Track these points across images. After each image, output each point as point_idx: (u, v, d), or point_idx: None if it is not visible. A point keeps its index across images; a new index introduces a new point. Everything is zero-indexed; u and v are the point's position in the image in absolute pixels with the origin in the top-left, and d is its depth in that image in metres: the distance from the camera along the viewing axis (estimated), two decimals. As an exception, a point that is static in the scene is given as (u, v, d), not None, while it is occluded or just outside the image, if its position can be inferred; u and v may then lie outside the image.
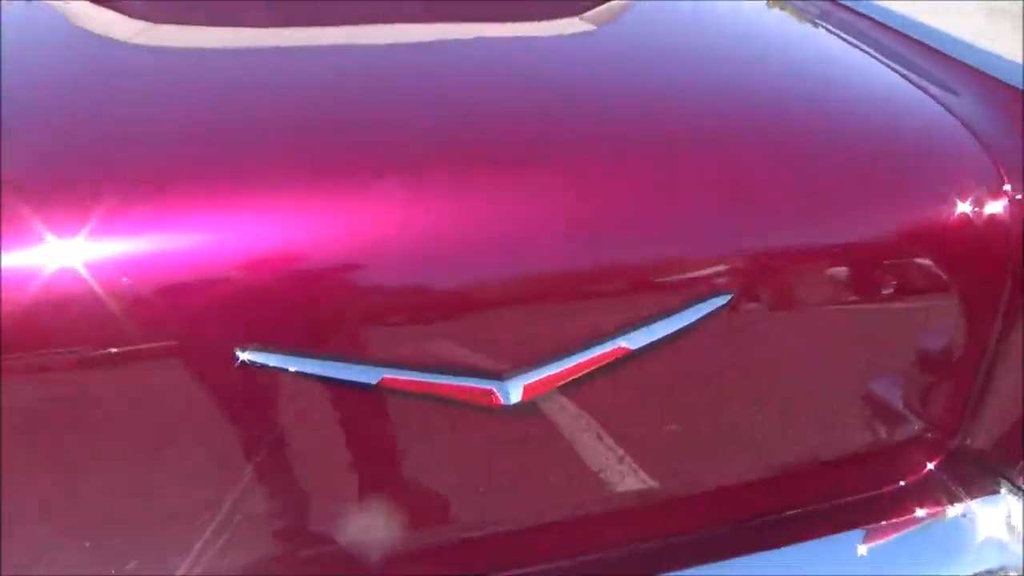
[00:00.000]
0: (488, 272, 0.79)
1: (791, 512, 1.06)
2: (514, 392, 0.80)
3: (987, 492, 1.10)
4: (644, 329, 0.84)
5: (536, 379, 0.81)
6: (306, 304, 0.73)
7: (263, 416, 0.77)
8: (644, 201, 0.86)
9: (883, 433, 1.09)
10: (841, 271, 0.92)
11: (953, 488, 1.09)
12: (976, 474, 1.12)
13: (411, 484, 0.85)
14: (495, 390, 0.80)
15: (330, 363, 0.74)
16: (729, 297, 0.86)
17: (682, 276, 0.87)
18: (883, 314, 0.98)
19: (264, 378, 0.73)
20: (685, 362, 0.90)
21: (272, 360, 0.72)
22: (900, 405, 1.06)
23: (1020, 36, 4.32)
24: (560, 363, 0.82)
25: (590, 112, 0.93)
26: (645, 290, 0.86)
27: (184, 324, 0.71)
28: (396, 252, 0.76)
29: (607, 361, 0.83)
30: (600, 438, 0.89)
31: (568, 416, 0.86)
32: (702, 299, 0.86)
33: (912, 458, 1.10)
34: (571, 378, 0.82)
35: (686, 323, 0.85)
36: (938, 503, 1.09)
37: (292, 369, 0.73)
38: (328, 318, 0.75)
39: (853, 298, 0.95)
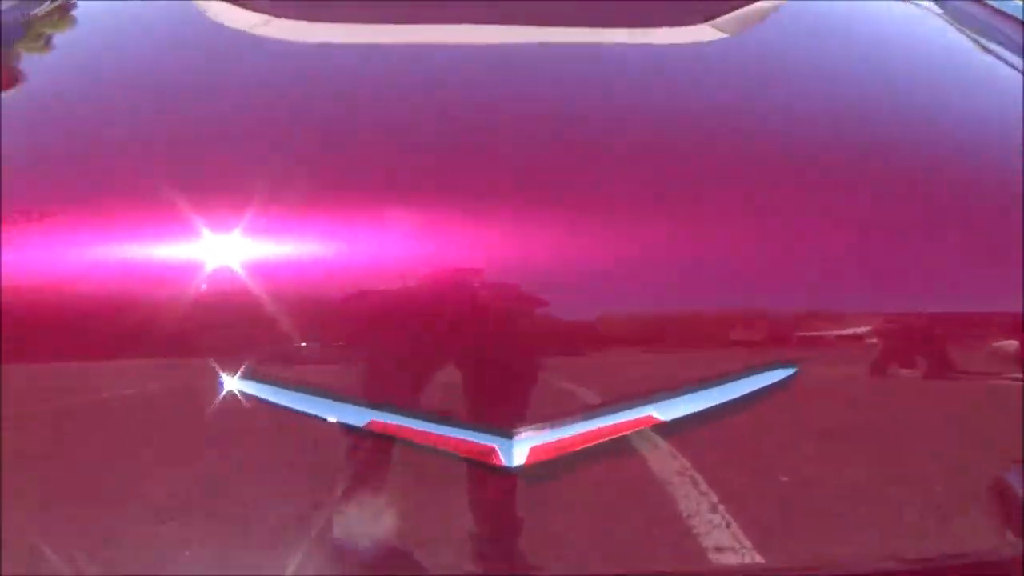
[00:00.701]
0: (510, 313, 0.72)
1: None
2: (519, 453, 0.72)
3: None
4: (682, 398, 0.72)
5: (547, 441, 0.72)
6: (297, 332, 0.70)
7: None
8: (710, 245, 0.75)
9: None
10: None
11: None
12: None
13: (396, 536, 0.79)
14: (497, 449, 0.71)
15: (318, 400, 0.70)
16: (794, 370, 0.72)
17: (742, 337, 0.74)
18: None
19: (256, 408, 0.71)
20: (728, 444, 0.76)
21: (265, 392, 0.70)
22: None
23: None
24: (577, 426, 0.72)
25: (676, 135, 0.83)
26: (692, 350, 0.75)
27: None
28: (401, 280, 0.71)
29: (632, 431, 0.72)
30: (615, 517, 0.77)
31: (581, 488, 0.75)
32: (760, 369, 0.72)
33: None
34: (587, 445, 0.72)
35: (734, 396, 0.72)
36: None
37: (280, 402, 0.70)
38: (320, 350, 0.72)
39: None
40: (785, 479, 0.79)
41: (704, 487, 0.76)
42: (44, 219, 0.73)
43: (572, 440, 0.72)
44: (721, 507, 0.77)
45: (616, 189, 0.77)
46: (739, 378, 0.72)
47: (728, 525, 0.78)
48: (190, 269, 0.68)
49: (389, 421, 0.70)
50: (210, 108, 0.87)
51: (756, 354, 0.73)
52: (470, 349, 0.72)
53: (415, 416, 0.70)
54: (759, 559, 0.78)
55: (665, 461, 0.75)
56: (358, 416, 0.70)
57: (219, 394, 0.69)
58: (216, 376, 0.69)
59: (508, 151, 0.80)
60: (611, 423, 0.72)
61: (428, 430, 0.70)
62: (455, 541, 0.76)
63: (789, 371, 0.72)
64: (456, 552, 0.77)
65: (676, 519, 0.77)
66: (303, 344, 0.71)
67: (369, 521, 0.75)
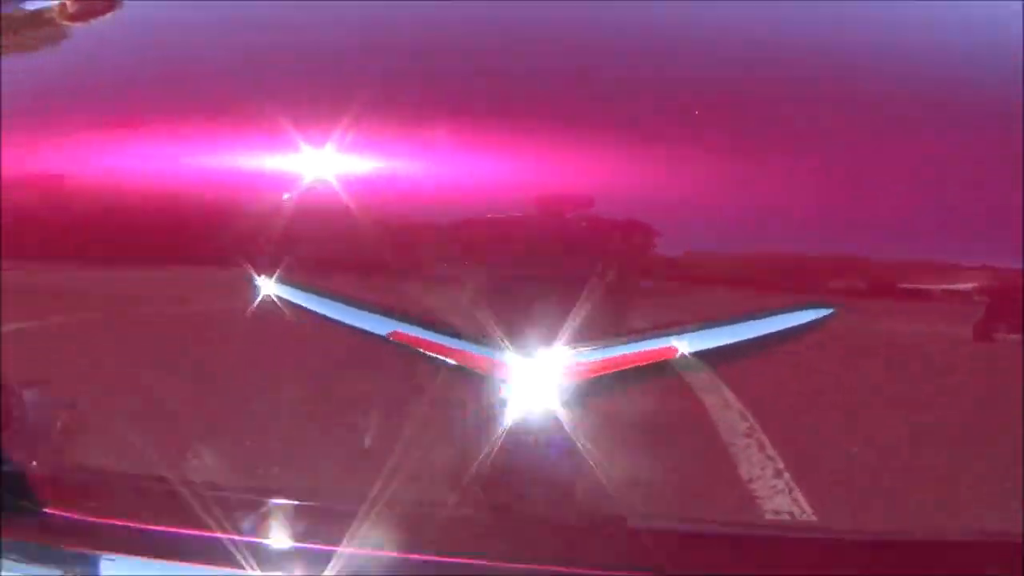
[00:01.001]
0: (540, 235, 0.72)
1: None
2: (540, 374, 0.72)
3: None
4: (709, 332, 0.70)
5: (567, 366, 0.72)
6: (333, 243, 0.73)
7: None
8: (754, 180, 0.71)
9: None
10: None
11: None
12: None
13: (406, 449, 0.80)
14: (508, 365, 0.72)
15: (348, 308, 0.73)
16: (831, 311, 0.68)
17: (776, 274, 0.71)
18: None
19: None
20: (751, 383, 0.73)
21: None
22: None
23: None
24: (594, 352, 0.71)
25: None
26: (725, 285, 0.72)
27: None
28: (437, 198, 0.72)
29: (649, 361, 0.70)
30: (623, 448, 0.76)
31: (593, 416, 0.74)
32: (793, 308, 0.69)
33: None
34: (603, 372, 0.71)
35: (762, 333, 0.68)
36: None
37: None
38: (353, 261, 0.74)
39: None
40: (811, 428, 0.75)
41: (726, 429, 0.73)
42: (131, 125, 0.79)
43: (590, 365, 0.71)
44: (742, 451, 0.74)
45: (660, 115, 0.74)
46: (770, 315, 0.69)
47: (744, 468, 0.75)
48: (234, 177, 0.73)
49: (411, 332, 0.72)
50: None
51: (791, 293, 0.69)
52: (497, 267, 0.73)
53: (436, 330, 0.72)
54: (770, 509, 0.75)
55: (687, 398, 0.73)
56: (382, 325, 0.72)
57: (256, 299, 0.73)
58: (254, 282, 0.73)
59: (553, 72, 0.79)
60: (629, 351, 0.70)
61: (448, 344, 0.72)
62: (468, 459, 0.77)
63: (826, 311, 0.68)
64: (468, 472, 0.78)
65: (691, 458, 0.76)
66: (339, 255, 0.74)
67: (385, 432, 0.78)
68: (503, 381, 0.73)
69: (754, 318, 0.69)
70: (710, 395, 0.73)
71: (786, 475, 0.75)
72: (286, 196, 0.71)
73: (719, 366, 0.70)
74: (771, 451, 0.75)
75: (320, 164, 0.71)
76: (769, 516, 0.78)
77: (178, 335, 0.84)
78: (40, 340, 0.88)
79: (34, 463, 1.00)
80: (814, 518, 0.78)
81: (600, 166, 0.71)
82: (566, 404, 0.73)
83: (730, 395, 0.73)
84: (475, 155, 0.72)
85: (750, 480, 0.77)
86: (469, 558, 0.87)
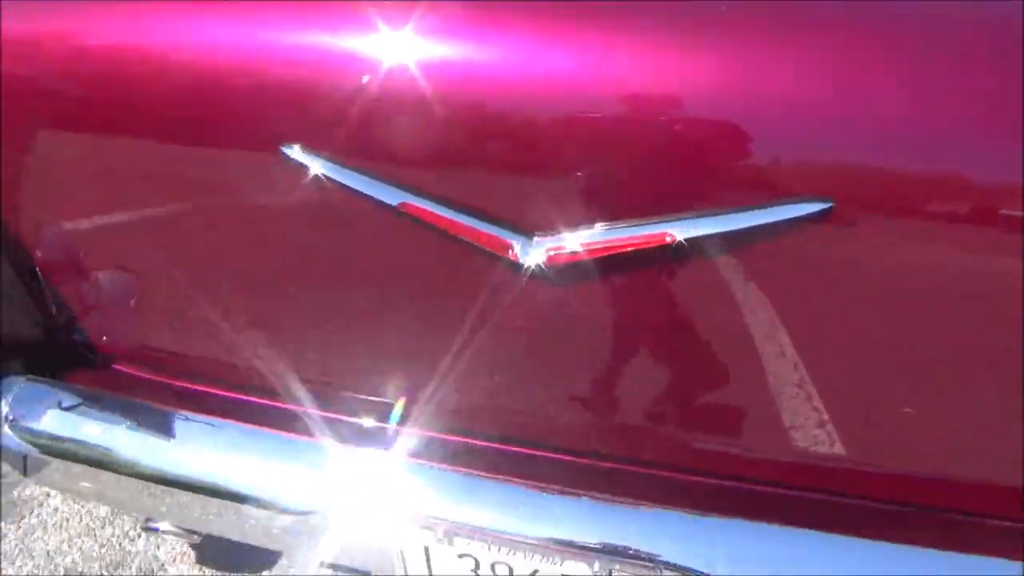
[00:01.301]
0: (547, 121, 0.74)
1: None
2: (535, 253, 0.75)
3: None
4: (701, 220, 0.71)
5: (563, 246, 0.74)
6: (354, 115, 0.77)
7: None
8: (758, 71, 0.70)
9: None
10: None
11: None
12: None
13: (410, 319, 0.85)
14: (515, 245, 0.75)
15: (357, 176, 0.77)
16: (829, 205, 0.68)
17: (777, 166, 0.71)
18: None
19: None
20: (744, 273, 0.73)
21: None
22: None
23: None
24: (595, 235, 0.73)
25: None
26: (721, 174, 0.72)
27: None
28: (448, 85, 0.74)
29: (647, 246, 0.72)
30: (623, 334, 0.78)
31: (590, 296, 0.77)
32: (790, 200, 0.69)
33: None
34: (602, 255, 0.73)
35: (757, 223, 0.69)
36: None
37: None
38: (368, 134, 0.78)
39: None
40: (805, 324, 0.75)
41: (715, 320, 0.75)
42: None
43: (590, 248, 0.73)
44: (727, 340, 0.75)
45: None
46: (767, 206, 0.69)
47: (727, 357, 0.76)
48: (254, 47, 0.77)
49: (420, 204, 0.76)
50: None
51: (789, 185, 0.69)
52: (500, 152, 0.76)
53: (443, 204, 0.76)
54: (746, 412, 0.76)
55: (680, 286, 0.75)
56: (393, 196, 0.76)
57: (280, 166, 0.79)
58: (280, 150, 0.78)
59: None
60: (626, 236, 0.72)
61: (454, 218, 0.76)
62: (466, 332, 0.82)
63: (823, 205, 0.68)
64: (465, 344, 0.83)
65: (680, 348, 0.77)
66: (357, 127, 0.78)
67: (389, 300, 0.83)
68: (512, 260, 0.76)
69: (758, 208, 0.69)
70: (711, 284, 0.74)
71: (775, 367, 0.76)
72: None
73: (719, 255, 0.71)
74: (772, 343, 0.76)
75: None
76: (755, 409, 0.80)
77: (224, 218, 0.91)
78: (116, 230, 0.97)
79: (105, 333, 1.12)
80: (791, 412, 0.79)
81: (606, 62, 0.71)
82: (570, 284, 0.76)
83: (731, 285, 0.74)
84: (493, 43, 0.74)
85: (745, 371, 0.79)
86: (466, 437, 0.93)
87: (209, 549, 1.60)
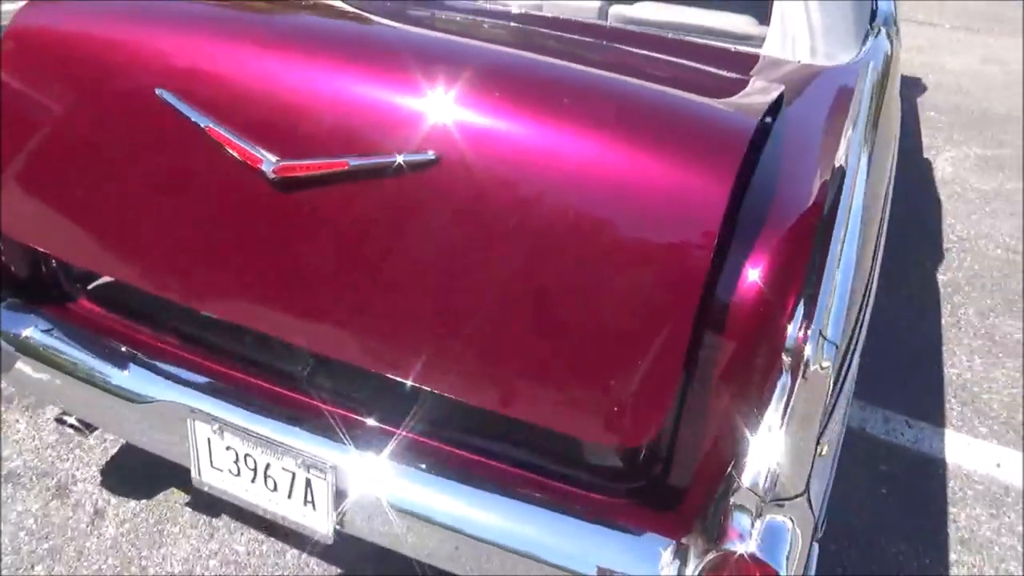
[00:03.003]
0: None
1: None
2: (270, 168, 1.17)
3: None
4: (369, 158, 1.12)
5: (292, 165, 1.16)
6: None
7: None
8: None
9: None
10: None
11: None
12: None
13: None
14: (262, 159, 1.17)
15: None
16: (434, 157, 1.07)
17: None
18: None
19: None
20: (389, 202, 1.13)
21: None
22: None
23: None
24: (305, 161, 1.15)
25: None
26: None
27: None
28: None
29: (332, 169, 1.13)
30: (316, 228, 1.17)
31: (300, 199, 1.18)
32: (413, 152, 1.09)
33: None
34: (310, 173, 1.15)
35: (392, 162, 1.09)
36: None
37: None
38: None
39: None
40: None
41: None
42: None
43: (303, 167, 1.15)
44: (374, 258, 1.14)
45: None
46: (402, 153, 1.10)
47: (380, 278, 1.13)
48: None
49: (210, 126, 1.20)
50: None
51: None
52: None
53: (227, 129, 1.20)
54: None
55: (350, 199, 1.15)
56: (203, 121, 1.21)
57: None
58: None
59: None
60: (324, 161, 1.14)
61: (231, 139, 1.19)
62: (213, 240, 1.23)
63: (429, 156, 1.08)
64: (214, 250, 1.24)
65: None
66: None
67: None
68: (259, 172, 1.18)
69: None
70: (371, 200, 1.14)
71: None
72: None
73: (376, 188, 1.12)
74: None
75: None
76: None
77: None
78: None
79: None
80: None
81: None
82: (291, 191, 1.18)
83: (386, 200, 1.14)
84: None
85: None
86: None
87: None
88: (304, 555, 1.81)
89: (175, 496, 1.93)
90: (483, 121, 1.10)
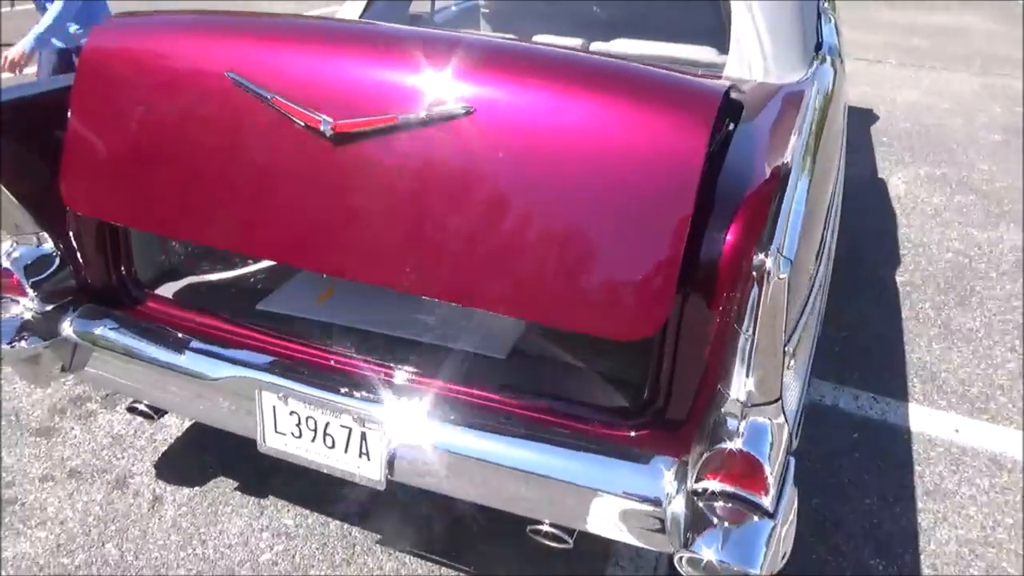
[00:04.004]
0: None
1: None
2: (327, 127, 1.43)
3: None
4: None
5: (346, 123, 1.42)
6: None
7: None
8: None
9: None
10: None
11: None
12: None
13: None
14: (321, 121, 1.43)
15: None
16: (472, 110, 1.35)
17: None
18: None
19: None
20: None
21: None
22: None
23: None
24: (359, 119, 1.42)
25: None
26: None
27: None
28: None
29: (383, 125, 1.39)
30: (377, 178, 1.44)
31: (358, 152, 1.44)
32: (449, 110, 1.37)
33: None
34: (359, 129, 1.41)
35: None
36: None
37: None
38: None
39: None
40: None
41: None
42: None
43: (360, 123, 1.42)
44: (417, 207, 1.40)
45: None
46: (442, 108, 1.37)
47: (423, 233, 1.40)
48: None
49: (276, 97, 1.47)
50: None
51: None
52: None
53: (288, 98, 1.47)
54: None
55: (395, 151, 1.41)
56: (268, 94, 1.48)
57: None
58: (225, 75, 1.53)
59: None
60: (376, 117, 1.40)
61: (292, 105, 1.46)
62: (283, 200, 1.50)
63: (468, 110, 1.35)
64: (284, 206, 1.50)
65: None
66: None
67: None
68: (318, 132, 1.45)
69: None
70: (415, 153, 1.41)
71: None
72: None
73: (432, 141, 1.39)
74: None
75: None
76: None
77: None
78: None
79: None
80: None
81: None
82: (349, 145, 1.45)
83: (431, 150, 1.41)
84: None
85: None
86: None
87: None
88: (346, 525, 2.02)
89: (225, 483, 2.14)
90: (511, 79, 1.40)
